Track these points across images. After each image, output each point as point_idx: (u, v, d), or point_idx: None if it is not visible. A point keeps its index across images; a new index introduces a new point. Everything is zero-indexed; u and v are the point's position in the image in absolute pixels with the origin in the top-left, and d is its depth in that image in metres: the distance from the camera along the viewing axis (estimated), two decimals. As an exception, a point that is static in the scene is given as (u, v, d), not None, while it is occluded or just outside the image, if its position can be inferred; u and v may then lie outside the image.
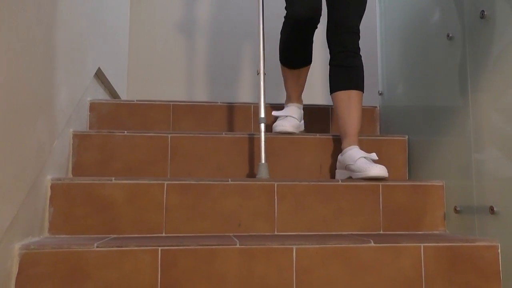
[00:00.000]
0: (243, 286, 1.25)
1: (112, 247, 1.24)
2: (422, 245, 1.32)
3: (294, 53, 1.96)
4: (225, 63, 3.14)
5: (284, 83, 2.04)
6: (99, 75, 2.25)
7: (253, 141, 1.85)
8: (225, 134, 1.85)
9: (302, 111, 2.04)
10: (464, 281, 1.31)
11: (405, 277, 1.30)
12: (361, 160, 1.68)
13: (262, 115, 1.79)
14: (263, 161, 1.71)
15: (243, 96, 3.07)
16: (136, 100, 2.18)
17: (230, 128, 2.18)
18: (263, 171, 1.69)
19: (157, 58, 3.10)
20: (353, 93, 1.83)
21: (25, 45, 1.24)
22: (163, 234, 1.50)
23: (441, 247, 1.33)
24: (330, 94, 1.89)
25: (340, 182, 1.61)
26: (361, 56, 1.88)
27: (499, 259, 1.33)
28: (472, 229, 1.46)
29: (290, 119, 1.95)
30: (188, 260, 1.25)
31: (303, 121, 2.06)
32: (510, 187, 1.29)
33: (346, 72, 1.85)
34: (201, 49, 3.15)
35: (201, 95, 3.07)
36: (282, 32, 1.94)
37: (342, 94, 1.84)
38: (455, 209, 1.55)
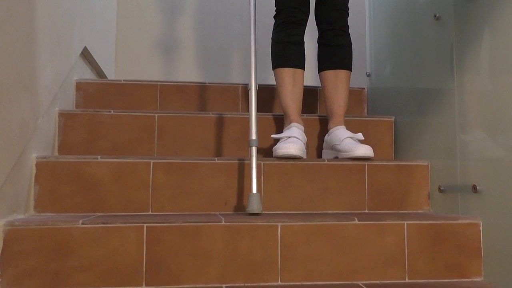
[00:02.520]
0: (228, 263, 1.26)
1: (98, 224, 1.24)
2: (405, 222, 1.34)
3: (288, 48, 1.81)
4: (214, 44, 3.12)
5: (280, 97, 1.82)
6: (86, 55, 2.22)
7: (241, 121, 1.85)
8: (212, 114, 1.84)
9: (305, 135, 1.76)
10: (446, 258, 1.33)
11: (388, 254, 1.32)
12: (347, 140, 1.68)
13: (254, 136, 1.50)
14: (254, 191, 1.43)
15: (232, 77, 3.06)
16: (123, 80, 2.16)
17: (218, 108, 2.17)
18: (254, 203, 1.41)
19: (146, 39, 3.07)
20: (341, 72, 1.81)
21: (5, 16, 1.22)
22: (150, 213, 1.51)
23: (424, 224, 1.35)
24: (318, 73, 1.87)
25: (326, 162, 1.61)
26: (349, 34, 1.85)
27: (480, 236, 1.35)
28: (455, 208, 1.48)
29: (294, 140, 1.66)
30: (173, 237, 1.26)
31: (306, 145, 1.84)
32: (493, 166, 1.31)
33: (334, 51, 1.82)
34: (190, 29, 3.13)
35: (189, 76, 3.05)
36: (273, 33, 1.86)
37: (329, 74, 1.82)
38: (439, 189, 1.57)
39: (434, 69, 1.64)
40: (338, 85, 1.81)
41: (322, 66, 1.85)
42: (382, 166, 1.64)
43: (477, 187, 1.36)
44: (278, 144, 1.67)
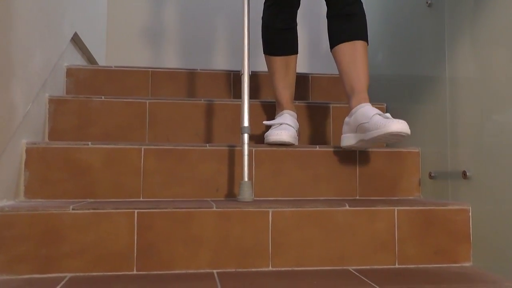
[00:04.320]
0: (219, 248, 1.26)
1: (88, 209, 1.24)
2: (396, 208, 1.35)
3: (280, 35, 1.72)
4: (205, 30, 3.10)
5: (273, 85, 1.78)
6: (76, 41, 2.20)
7: (232, 108, 1.84)
8: (203, 100, 1.83)
9: (297, 122, 1.72)
10: (435, 243, 1.35)
11: (378, 239, 1.33)
12: (377, 117, 1.43)
13: (246, 123, 1.48)
14: (245, 179, 1.42)
15: (224, 63, 3.04)
16: (114, 66, 2.14)
17: (210, 95, 2.16)
18: (245, 191, 1.41)
19: (137, 25, 3.04)
20: (358, 43, 1.60)
21: (-4, 4, 1.20)
22: (141, 199, 1.50)
23: (414, 210, 1.35)
24: (331, 49, 1.66)
25: (317, 149, 1.61)
26: (361, 2, 1.65)
27: (469, 222, 1.36)
28: (445, 194, 1.49)
29: (286, 127, 1.62)
30: (164, 223, 1.26)
31: (298, 135, 1.77)
32: (482, 153, 1.31)
33: (348, 21, 1.61)
34: (181, 16, 3.10)
35: (181, 63, 3.03)
36: (264, 15, 1.75)
37: (346, 47, 1.60)
38: (430, 175, 1.58)
39: (426, 56, 1.64)
40: (357, 58, 1.59)
41: (336, 39, 1.63)
42: (374, 153, 1.64)
43: (467, 173, 1.37)
44: (269, 131, 1.63)
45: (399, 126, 1.34)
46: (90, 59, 2.49)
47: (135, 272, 1.23)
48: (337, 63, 1.64)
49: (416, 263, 1.34)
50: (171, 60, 3.04)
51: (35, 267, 1.20)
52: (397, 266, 1.33)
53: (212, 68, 2.95)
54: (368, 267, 1.31)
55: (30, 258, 1.20)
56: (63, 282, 1.14)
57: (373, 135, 1.39)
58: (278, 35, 1.73)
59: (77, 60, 2.25)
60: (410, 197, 1.63)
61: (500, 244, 1.24)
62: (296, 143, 1.63)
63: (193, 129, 1.80)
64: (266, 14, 1.75)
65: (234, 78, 2.20)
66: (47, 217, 1.22)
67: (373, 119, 1.42)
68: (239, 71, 2.21)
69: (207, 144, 1.56)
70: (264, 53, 1.78)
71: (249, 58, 1.54)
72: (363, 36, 1.61)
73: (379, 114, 1.44)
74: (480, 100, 1.33)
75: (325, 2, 1.68)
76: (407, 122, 1.36)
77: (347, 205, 1.34)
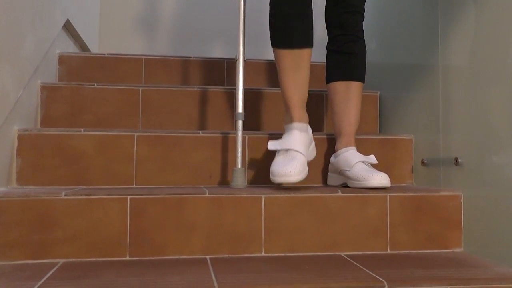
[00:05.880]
0: (212, 234, 1.27)
1: (81, 195, 1.24)
2: (388, 195, 1.35)
3: (291, 22, 1.45)
4: (199, 18, 3.08)
5: (281, 85, 1.49)
6: (69, 28, 2.18)
7: (226, 95, 1.84)
8: (197, 87, 1.83)
9: (310, 132, 1.51)
10: (427, 229, 1.36)
11: (371, 225, 1.33)
12: (359, 166, 1.45)
13: (240, 109, 1.45)
14: (239, 166, 1.40)
15: (217, 51, 3.03)
16: (107, 54, 2.13)
17: (203, 83, 2.16)
18: (238, 178, 1.40)
19: (130, 12, 3.02)
20: (353, 84, 1.57)
21: (-15, -12, 1.19)
22: (134, 186, 1.50)
23: (407, 196, 1.36)
24: (326, 84, 1.63)
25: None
26: (364, 40, 1.61)
27: (461, 208, 1.37)
28: (437, 181, 1.50)
29: (294, 157, 1.39)
30: (157, 209, 1.26)
31: (313, 144, 1.53)
32: (474, 140, 1.32)
33: (346, 59, 1.58)
34: (175, 2, 3.08)
35: (174, 50, 3.02)
36: (271, 1, 1.48)
37: (339, 85, 1.58)
38: (422, 162, 1.58)
39: (419, 45, 1.64)
40: (349, 99, 1.56)
41: (331, 76, 1.60)
42: (367, 140, 1.65)
43: (459, 160, 1.38)
44: (275, 164, 1.38)
45: (379, 181, 1.41)
46: (83, 46, 2.47)
47: (128, 258, 1.23)
48: (329, 100, 1.62)
49: (408, 249, 1.35)
50: (165, 47, 3.02)
51: (27, 253, 1.20)
52: (389, 251, 1.34)
53: (206, 56, 2.93)
54: (360, 252, 1.32)
55: (22, 244, 1.20)
56: (55, 268, 1.14)
57: (355, 185, 1.45)
58: (289, 23, 1.45)
59: (69, 47, 2.23)
60: (403, 184, 1.64)
61: (491, 230, 1.25)
62: (304, 176, 1.37)
63: (186, 116, 1.80)
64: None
65: (227, 65, 2.19)
66: (40, 203, 1.22)
67: (354, 169, 1.46)
68: (233, 58, 2.20)
69: (200, 131, 1.56)
70: (272, 46, 1.49)
71: (245, 43, 1.52)
72: (359, 77, 1.59)
73: (362, 161, 1.47)
74: (472, 88, 1.34)
75: (326, 32, 1.62)
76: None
77: (339, 191, 1.35)
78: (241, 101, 1.48)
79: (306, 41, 1.47)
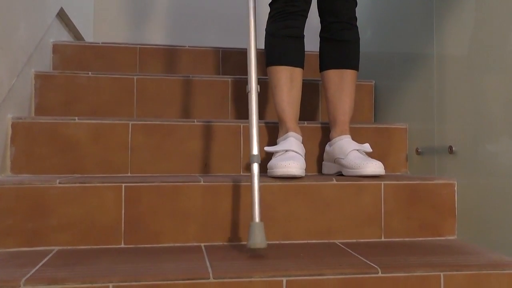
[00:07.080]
0: (207, 222, 1.27)
1: (75, 183, 1.23)
2: (382, 183, 1.36)
3: (285, 43, 1.54)
4: (194, 7, 3.06)
5: (275, 101, 1.55)
6: (62, 17, 2.17)
7: (221, 84, 1.83)
8: (192, 76, 1.82)
9: (303, 146, 1.51)
10: (421, 217, 1.36)
11: (365, 213, 1.34)
12: (353, 154, 1.46)
13: (255, 151, 1.18)
14: (256, 220, 1.12)
15: (212, 41, 3.01)
16: (102, 43, 2.12)
17: (198, 72, 2.15)
18: (257, 236, 1.09)
19: (125, 1, 2.99)
20: (346, 73, 1.57)
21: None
22: (128, 174, 1.50)
23: (401, 185, 1.37)
24: (320, 72, 1.63)
25: (306, 125, 1.62)
26: (357, 28, 1.60)
27: (455, 196, 1.38)
28: (432, 169, 1.50)
29: (293, 156, 1.40)
30: (152, 197, 1.26)
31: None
32: (468, 128, 1.32)
33: (340, 47, 1.57)
34: (170, -6, 3.06)
35: (169, 39, 3.00)
36: (268, 24, 1.58)
37: (334, 74, 1.57)
38: (417, 151, 1.59)
39: (414, 34, 1.64)
40: (343, 88, 1.56)
41: (325, 64, 1.60)
42: (362, 129, 1.65)
43: (453, 148, 1.38)
44: (274, 161, 1.39)
45: (373, 169, 1.40)
46: (77, 35, 2.45)
47: (123, 245, 1.24)
48: (323, 88, 1.62)
49: (402, 237, 1.35)
50: (160, 36, 3.00)
51: (22, 241, 1.20)
52: (383, 239, 1.34)
53: (201, 44, 2.92)
54: (354, 240, 1.33)
55: (17, 231, 1.19)
56: (50, 255, 1.14)
57: (350, 173, 1.44)
58: (283, 43, 1.54)
59: (63, 36, 2.22)
60: (397, 173, 1.65)
61: (484, 218, 1.26)
62: (304, 175, 1.40)
63: (181, 105, 1.80)
64: (270, 23, 1.58)
65: (222, 55, 2.18)
66: (34, 191, 1.22)
67: (349, 157, 1.45)
68: (227, 48, 2.20)
69: (195, 120, 1.56)
70: (266, 66, 1.58)
71: (256, 73, 1.23)
72: (353, 65, 1.58)
73: (357, 150, 1.47)
74: (466, 77, 1.34)
75: (319, 20, 1.61)
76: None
77: (334, 179, 1.35)
78: (255, 140, 1.19)
79: (299, 61, 1.56)
